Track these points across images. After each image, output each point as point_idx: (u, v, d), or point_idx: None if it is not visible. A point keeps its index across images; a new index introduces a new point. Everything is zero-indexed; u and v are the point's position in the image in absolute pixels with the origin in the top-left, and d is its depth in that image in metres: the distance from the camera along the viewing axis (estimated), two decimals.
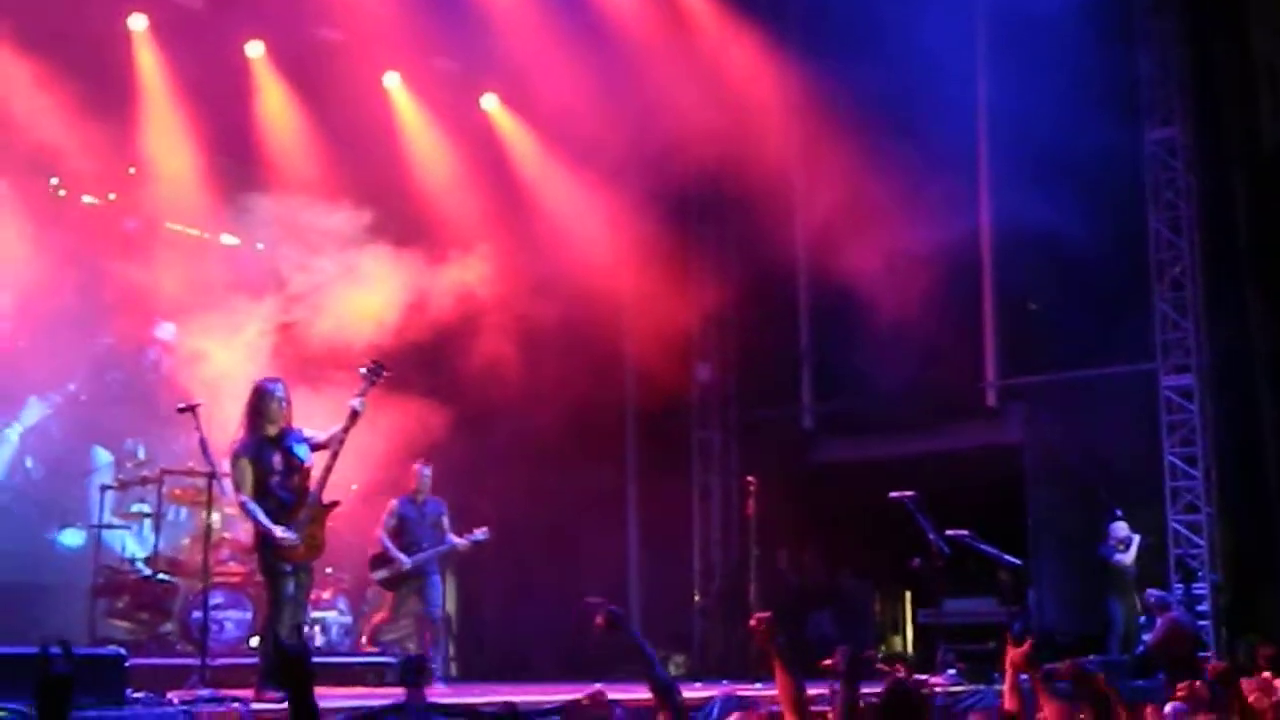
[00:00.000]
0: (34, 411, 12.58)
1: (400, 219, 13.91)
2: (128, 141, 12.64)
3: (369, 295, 12.81)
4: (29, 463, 12.61)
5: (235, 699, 7.34)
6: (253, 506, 8.38)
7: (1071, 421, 14.24)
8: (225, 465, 8.71)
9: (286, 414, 8.60)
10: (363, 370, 8.91)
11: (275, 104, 13.60)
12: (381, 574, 11.33)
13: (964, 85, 14.94)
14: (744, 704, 6.70)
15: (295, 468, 8.58)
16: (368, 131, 13.85)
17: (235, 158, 13.22)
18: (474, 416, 13.74)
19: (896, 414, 15.04)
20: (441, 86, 14.44)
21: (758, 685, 9.83)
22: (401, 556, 11.13)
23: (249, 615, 11.33)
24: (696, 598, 15.82)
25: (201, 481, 9.80)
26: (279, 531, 8.34)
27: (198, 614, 10.59)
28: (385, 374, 9.00)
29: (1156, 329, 14.19)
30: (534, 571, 14.00)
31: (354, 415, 8.75)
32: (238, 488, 8.46)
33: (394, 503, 11.45)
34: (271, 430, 8.55)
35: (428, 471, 11.47)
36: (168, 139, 12.90)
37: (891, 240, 13.64)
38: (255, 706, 7.10)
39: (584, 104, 13.89)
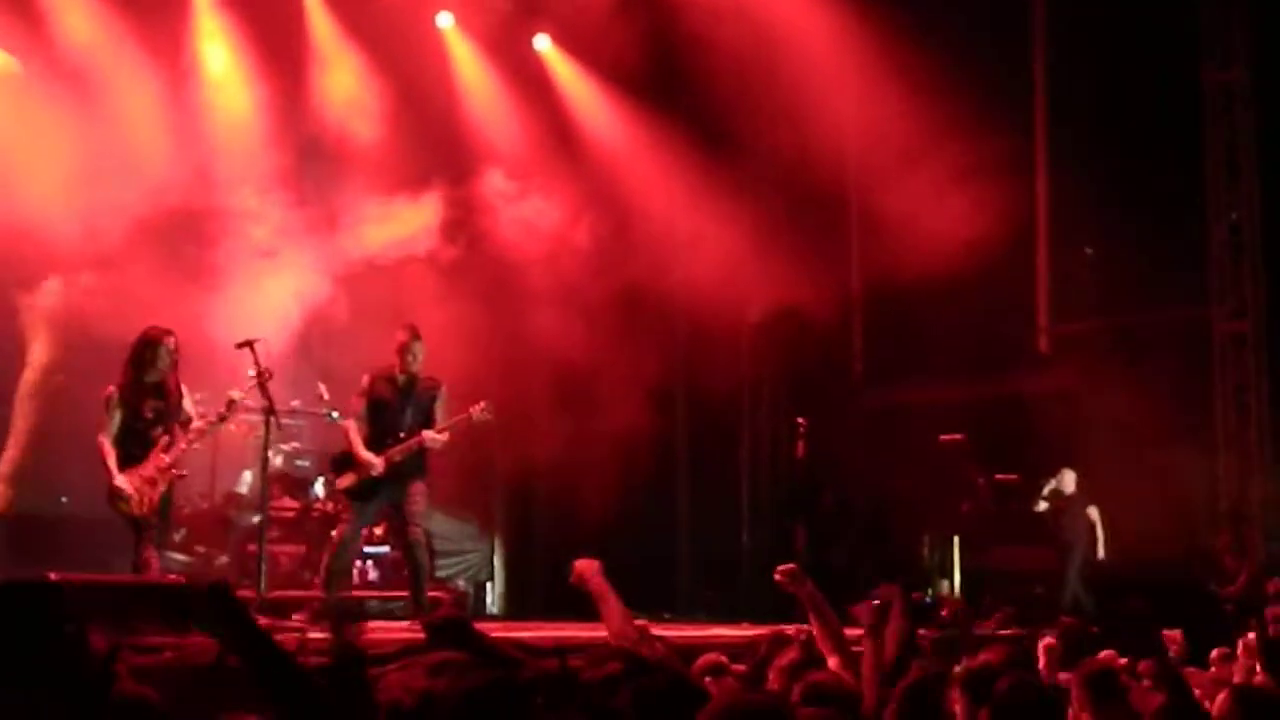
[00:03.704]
0: None
1: (451, 158, 14.00)
2: (182, 82, 12.69)
3: (413, 234, 12.96)
4: None
5: (294, 628, 7.48)
6: (110, 460, 8.74)
7: (1124, 366, 14.13)
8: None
9: (172, 367, 8.89)
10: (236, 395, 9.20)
11: (330, 43, 13.64)
12: None
13: (1020, 23, 14.76)
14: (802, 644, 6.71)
15: (162, 419, 8.87)
16: (421, 72, 13.87)
17: (289, 98, 13.27)
18: (519, 356, 13.83)
19: (948, 358, 14.96)
20: (494, 26, 14.42)
21: (805, 626, 9.88)
22: None
23: (302, 549, 11.52)
24: (744, 538, 15.87)
25: (257, 416, 9.93)
26: (117, 480, 8.71)
27: (253, 548, 10.78)
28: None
29: (1213, 275, 14.06)
30: (582, 510, 14.09)
31: (230, 405, 9.09)
32: (101, 429, 8.80)
33: None
34: (150, 378, 8.83)
35: None
36: (224, 83, 12.96)
37: (945, 182, 13.51)
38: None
39: (635, 42, 13.87)
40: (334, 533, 9.97)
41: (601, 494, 13.73)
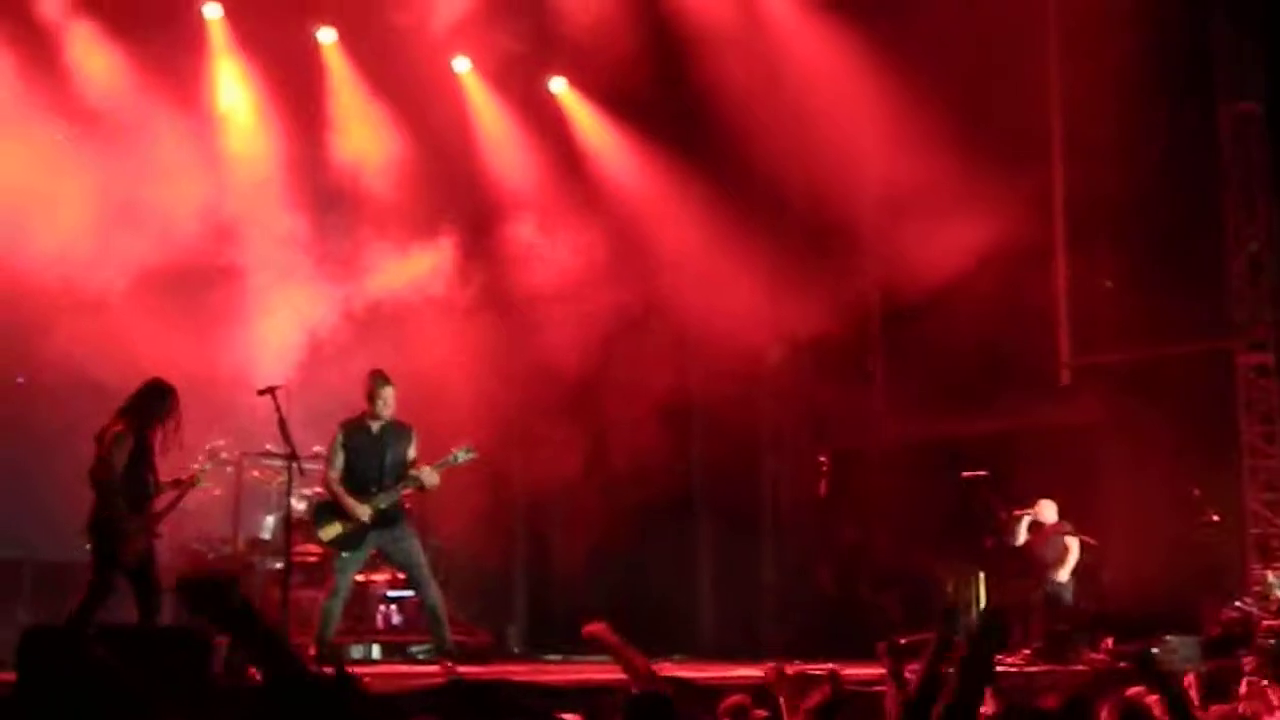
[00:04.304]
0: None
1: (468, 200, 14.11)
2: (203, 126, 12.80)
3: (431, 275, 13.03)
4: None
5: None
6: (119, 499, 8.51)
7: (1146, 400, 14.09)
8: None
9: (171, 419, 8.79)
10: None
11: (347, 90, 13.76)
12: None
13: (1036, 56, 14.77)
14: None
15: (154, 471, 8.77)
16: (438, 117, 13.98)
17: (308, 143, 13.39)
18: (536, 395, 13.86)
19: (969, 392, 14.92)
20: (510, 70, 14.53)
21: (829, 665, 9.83)
22: None
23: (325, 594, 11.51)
24: (766, 576, 15.82)
25: (279, 462, 9.95)
26: (130, 525, 8.51)
27: (276, 593, 10.77)
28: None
29: (1233, 306, 14.03)
30: (603, 550, 14.10)
31: (191, 478, 9.02)
32: (109, 469, 8.56)
33: None
34: (151, 426, 8.74)
35: None
36: (242, 127, 13.08)
37: (963, 216, 13.52)
38: None
39: (649, 82, 13.97)
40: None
41: (622, 533, 13.73)
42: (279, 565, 10.40)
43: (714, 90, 13.75)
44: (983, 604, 13.75)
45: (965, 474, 12.98)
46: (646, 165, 14.80)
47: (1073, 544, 12.95)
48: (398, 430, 9.66)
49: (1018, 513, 12.95)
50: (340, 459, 9.59)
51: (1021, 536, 12.95)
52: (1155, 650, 10.38)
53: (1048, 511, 13.00)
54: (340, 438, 9.64)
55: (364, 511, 9.41)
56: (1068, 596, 12.72)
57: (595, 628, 5.87)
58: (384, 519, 9.47)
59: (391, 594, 11.98)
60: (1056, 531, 12.99)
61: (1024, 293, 14.40)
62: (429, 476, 9.51)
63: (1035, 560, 12.87)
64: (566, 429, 13.96)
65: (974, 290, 13.72)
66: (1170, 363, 14.33)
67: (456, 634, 10.04)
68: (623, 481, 13.74)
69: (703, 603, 15.54)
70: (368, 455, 9.57)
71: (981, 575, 13.93)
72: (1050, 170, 15.06)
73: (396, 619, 12.03)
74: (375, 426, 9.62)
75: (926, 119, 13.46)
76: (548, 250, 14.06)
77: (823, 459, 12.59)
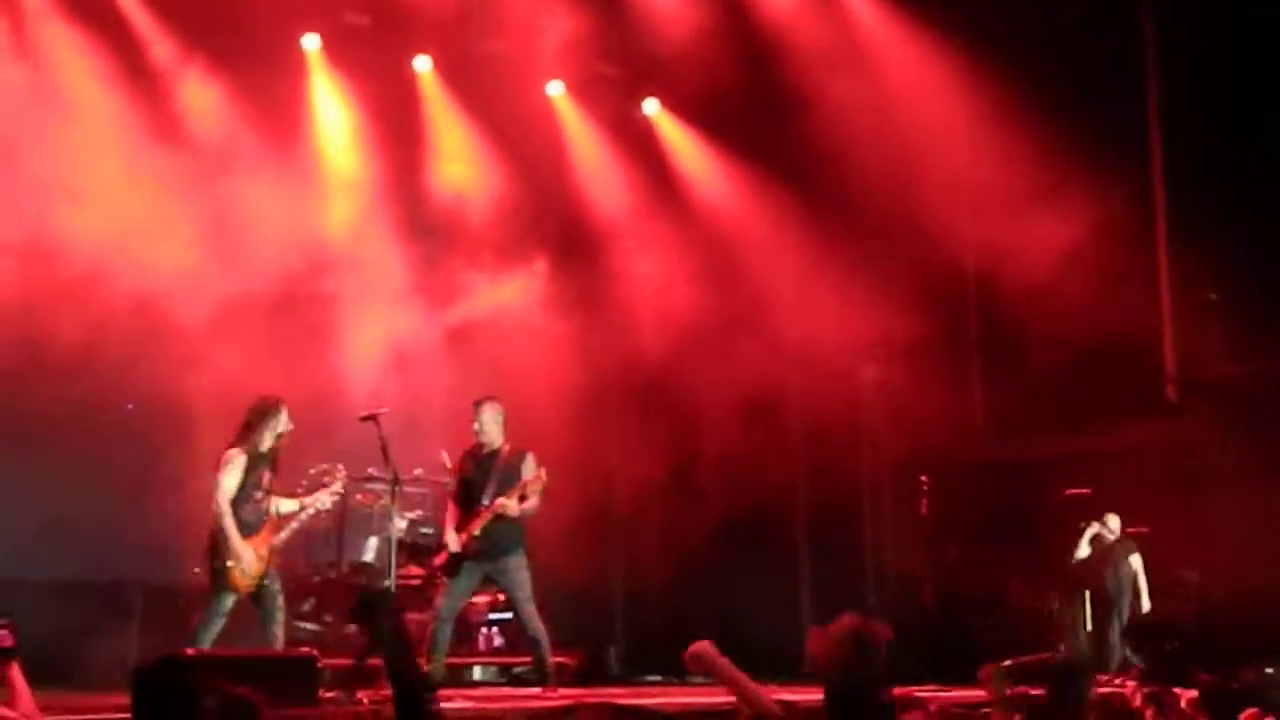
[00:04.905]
0: None
1: (562, 222, 14.20)
2: (302, 154, 13.00)
3: (525, 298, 13.11)
4: None
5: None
6: (229, 520, 8.51)
7: (1254, 416, 13.78)
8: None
9: (286, 437, 8.80)
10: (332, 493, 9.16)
11: (442, 116, 13.92)
12: None
13: (1135, 67, 14.55)
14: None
15: (271, 492, 8.78)
16: (533, 140, 14.10)
17: (405, 169, 13.56)
18: (633, 418, 13.89)
19: (1072, 410, 14.69)
20: (603, 93, 14.61)
21: (931, 686, 9.75)
22: None
23: (429, 617, 11.59)
24: (869, 599, 15.66)
25: (382, 485, 10.06)
26: (241, 545, 8.51)
27: None
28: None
29: None
30: (702, 574, 14.06)
31: (302, 510, 8.95)
32: (219, 491, 8.58)
33: None
34: (266, 446, 8.75)
35: None
36: (341, 154, 13.28)
37: (1063, 230, 13.33)
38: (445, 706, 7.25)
39: (742, 101, 13.96)
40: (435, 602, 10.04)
41: (720, 554, 13.68)
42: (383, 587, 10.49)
43: (805, 103, 13.70)
44: (1088, 624, 13.52)
45: (1069, 492, 12.77)
46: (740, 182, 14.79)
47: (1137, 564, 12.73)
48: (509, 457, 9.77)
49: (1081, 526, 12.77)
50: (456, 487, 9.87)
51: (1083, 551, 12.76)
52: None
53: (1112, 525, 12.80)
54: (455, 465, 9.98)
55: (453, 540, 9.57)
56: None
57: (700, 647, 5.81)
58: (485, 547, 9.57)
59: (493, 616, 12.04)
60: (1120, 548, 12.78)
61: (1127, 306, 14.15)
62: (502, 505, 9.56)
63: (1098, 579, 12.68)
64: (662, 449, 13.98)
65: (1076, 304, 13.51)
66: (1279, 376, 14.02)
67: (554, 656, 10.09)
68: (720, 500, 13.71)
69: (803, 623, 15.42)
70: (473, 483, 9.75)
71: (1087, 594, 13.68)
72: (1150, 181, 14.81)
73: (498, 641, 12.09)
74: (483, 453, 9.76)
75: (1023, 133, 13.31)
76: (643, 269, 14.10)
77: (924, 478, 12.44)
